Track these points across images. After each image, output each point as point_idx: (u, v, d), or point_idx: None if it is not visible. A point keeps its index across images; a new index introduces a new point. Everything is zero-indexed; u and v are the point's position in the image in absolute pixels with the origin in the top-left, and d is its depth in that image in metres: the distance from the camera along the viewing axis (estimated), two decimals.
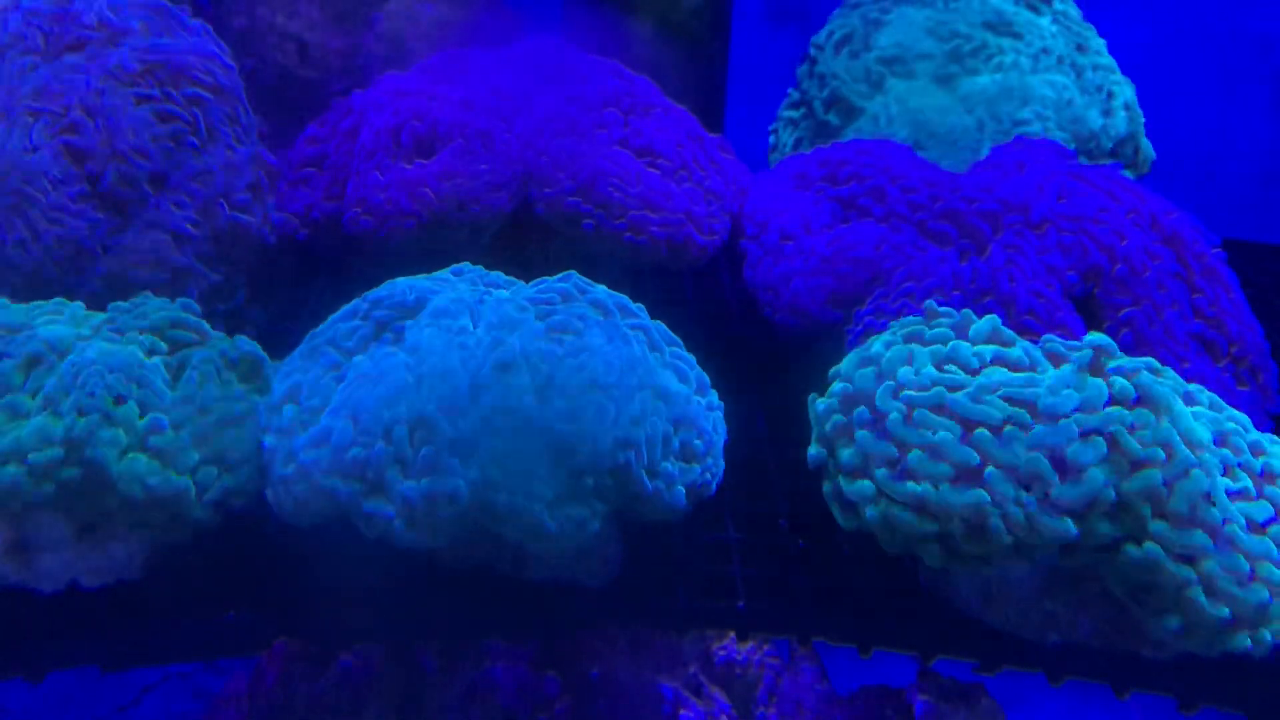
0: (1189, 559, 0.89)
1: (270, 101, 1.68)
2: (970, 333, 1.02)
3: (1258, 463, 0.97)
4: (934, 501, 0.90)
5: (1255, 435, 1.00)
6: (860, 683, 1.25)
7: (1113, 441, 0.90)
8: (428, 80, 1.38)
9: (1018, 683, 1.07)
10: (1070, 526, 0.89)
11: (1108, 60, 1.66)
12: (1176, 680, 1.00)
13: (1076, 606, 0.97)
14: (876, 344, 1.03)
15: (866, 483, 0.95)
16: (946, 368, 0.98)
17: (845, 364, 1.04)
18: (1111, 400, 0.92)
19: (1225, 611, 0.88)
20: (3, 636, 0.98)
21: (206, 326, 1.08)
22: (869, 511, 0.94)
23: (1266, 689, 1.00)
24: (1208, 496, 0.91)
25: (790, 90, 1.76)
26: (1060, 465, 0.90)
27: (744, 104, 2.16)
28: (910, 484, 0.92)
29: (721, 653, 1.33)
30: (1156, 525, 0.90)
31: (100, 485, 0.94)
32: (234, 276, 1.29)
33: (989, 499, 0.89)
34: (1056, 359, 1.00)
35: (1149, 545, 0.89)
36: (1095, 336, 0.98)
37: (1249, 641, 0.89)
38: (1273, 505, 0.94)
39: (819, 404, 1.02)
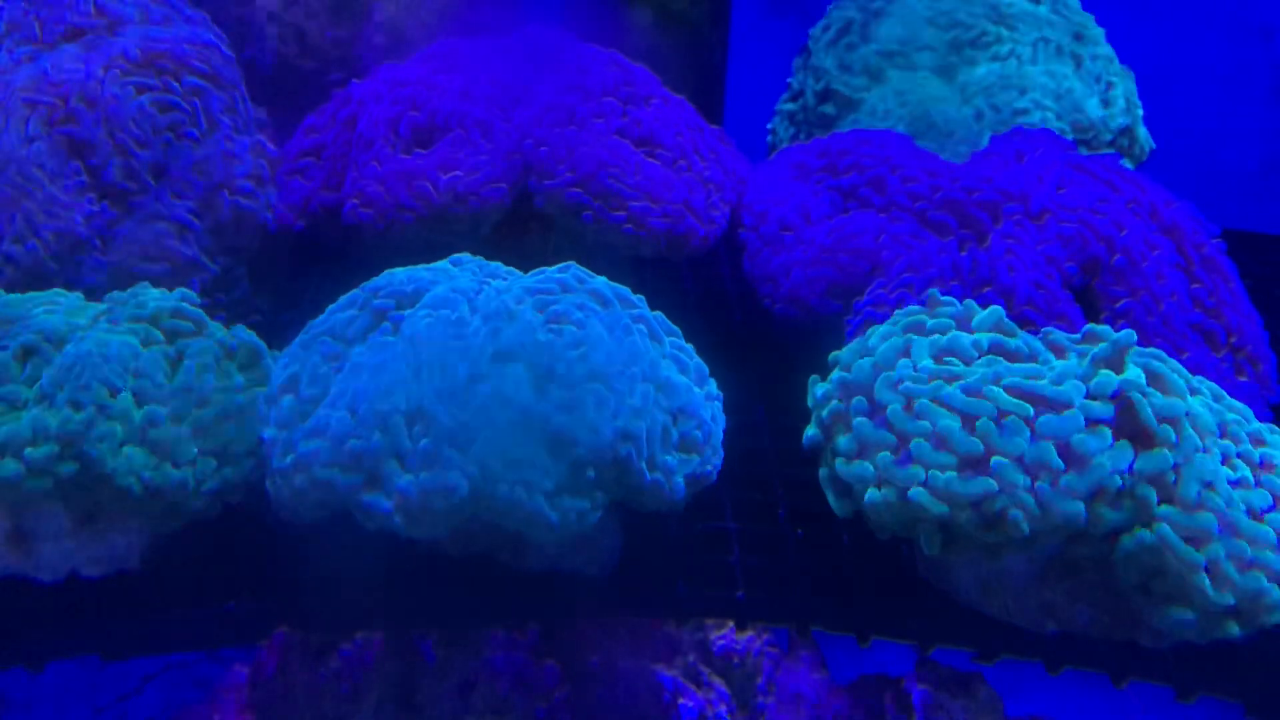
0: (1197, 542, 0.89)
1: (268, 91, 1.68)
2: (973, 323, 1.02)
3: (1256, 452, 0.97)
4: (942, 488, 0.90)
5: (1255, 425, 1.00)
6: (859, 672, 1.25)
7: (1126, 412, 0.90)
8: (426, 70, 1.38)
9: (1016, 672, 1.08)
10: (1081, 509, 0.89)
11: (1106, 49, 1.66)
12: (1174, 669, 1.00)
13: (1074, 596, 0.98)
14: (875, 334, 1.03)
15: (867, 465, 0.94)
16: (945, 359, 0.98)
17: (845, 353, 1.04)
18: (1120, 389, 0.92)
19: (1229, 598, 0.88)
20: (3, 626, 0.98)
21: (204, 316, 1.07)
22: (869, 494, 0.94)
23: (1263, 678, 1.00)
24: (1210, 485, 0.91)
25: (789, 82, 1.75)
26: (1066, 454, 0.90)
27: (744, 94, 2.15)
28: (915, 468, 0.91)
29: (720, 642, 1.33)
30: (1164, 509, 0.90)
31: (97, 479, 0.94)
32: (235, 267, 1.29)
33: (998, 488, 0.89)
34: (1058, 350, 1.00)
35: (1159, 527, 0.89)
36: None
37: (1237, 629, 0.90)
38: (1271, 494, 0.94)
39: (818, 388, 1.02)
